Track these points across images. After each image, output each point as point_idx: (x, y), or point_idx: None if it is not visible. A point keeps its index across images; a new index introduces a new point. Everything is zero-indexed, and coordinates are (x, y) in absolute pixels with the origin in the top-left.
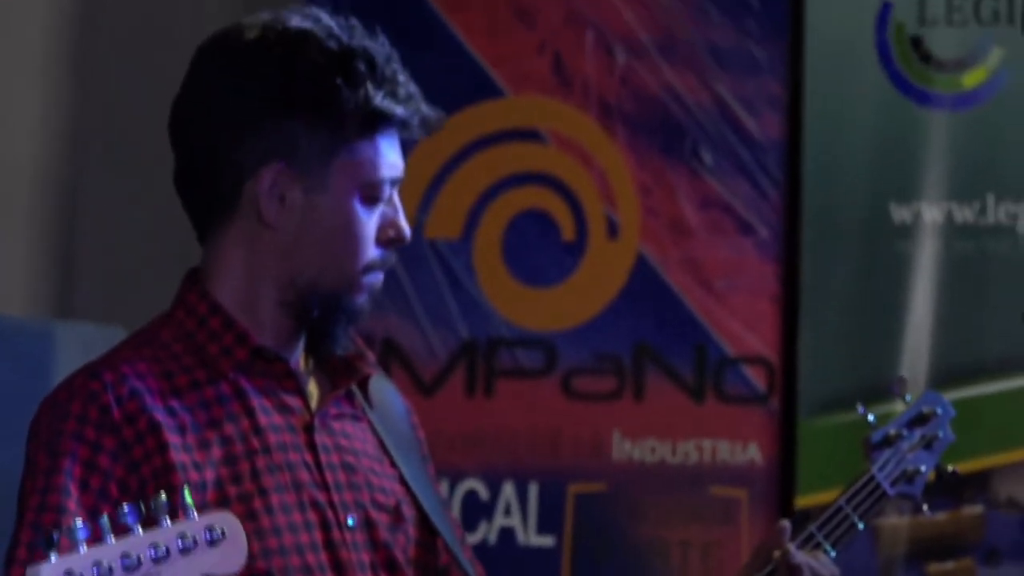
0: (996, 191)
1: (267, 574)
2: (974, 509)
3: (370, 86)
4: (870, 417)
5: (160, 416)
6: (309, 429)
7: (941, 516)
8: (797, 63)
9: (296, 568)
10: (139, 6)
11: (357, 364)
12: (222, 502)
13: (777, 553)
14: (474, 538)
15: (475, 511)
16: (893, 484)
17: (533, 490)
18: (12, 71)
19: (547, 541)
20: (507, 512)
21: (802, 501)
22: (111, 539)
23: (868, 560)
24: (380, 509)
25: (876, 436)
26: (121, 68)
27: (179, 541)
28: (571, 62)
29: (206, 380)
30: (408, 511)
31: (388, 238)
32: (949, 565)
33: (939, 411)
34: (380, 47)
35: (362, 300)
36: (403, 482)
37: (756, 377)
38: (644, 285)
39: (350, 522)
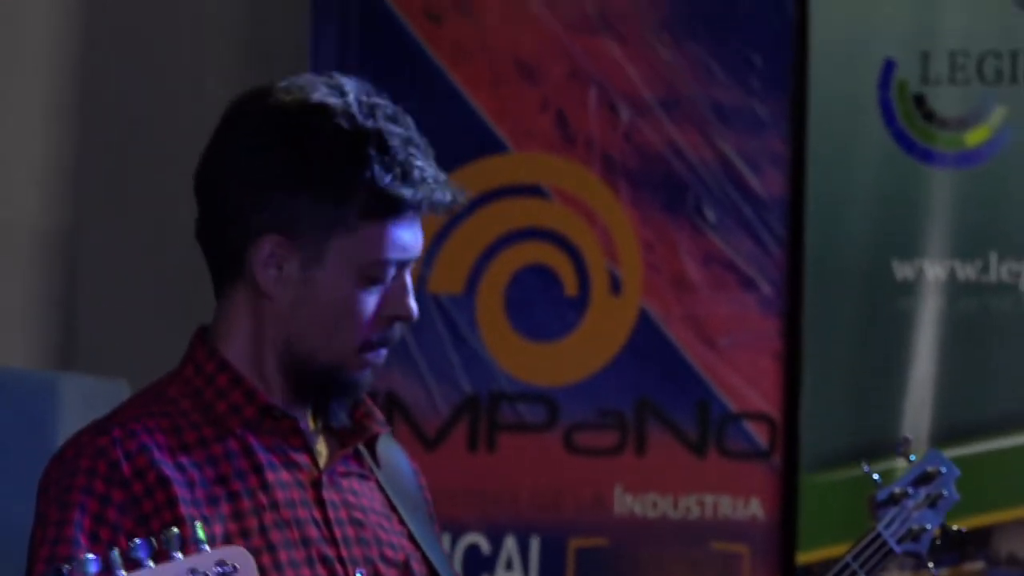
0: (999, 249)
1: None
2: (975, 566)
3: (377, 168)
4: (875, 476)
5: (169, 471)
6: (317, 485)
7: (943, 573)
8: (800, 120)
9: None
10: (142, 47)
11: (366, 423)
12: None
13: None
14: None
15: (477, 565)
16: (899, 542)
17: (534, 545)
18: (14, 116)
19: None
20: (509, 566)
21: (803, 557)
22: (122, 572)
23: None
24: (389, 564)
25: (882, 495)
26: (123, 117)
27: (190, 575)
28: (574, 118)
29: (214, 437)
30: (418, 567)
31: (390, 316)
32: None
33: (943, 470)
34: (399, 128)
35: (361, 376)
36: (412, 539)
37: (758, 433)
38: (646, 341)
39: None
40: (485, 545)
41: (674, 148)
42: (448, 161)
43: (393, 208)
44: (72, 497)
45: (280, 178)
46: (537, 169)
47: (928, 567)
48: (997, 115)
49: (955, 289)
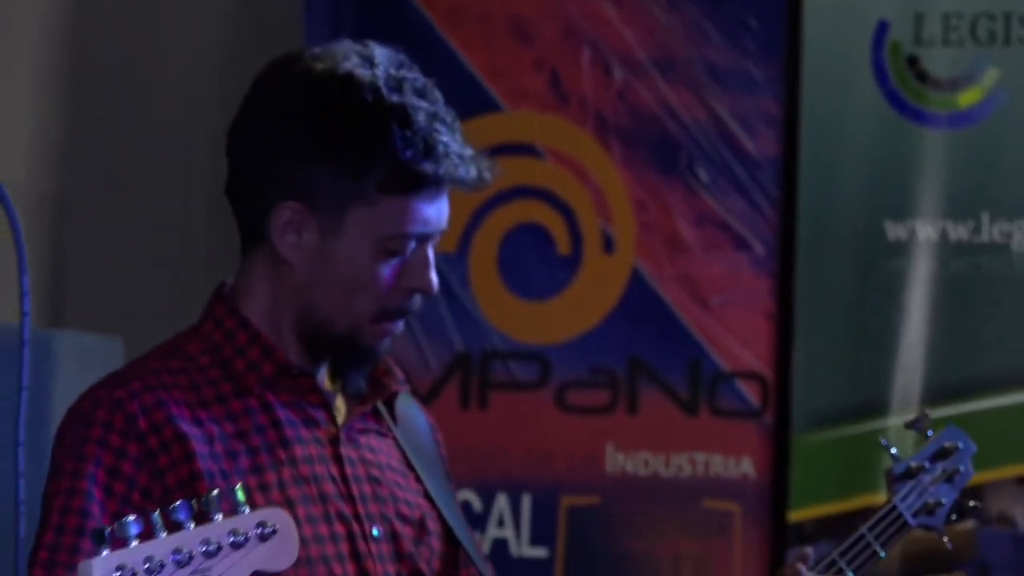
0: (991, 209)
1: None
2: (966, 525)
3: (399, 143)
4: (893, 450)
5: (186, 427)
6: (335, 442)
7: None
8: (793, 82)
9: None
10: (133, 13)
11: (385, 381)
12: None
13: None
14: None
15: (469, 523)
16: (915, 515)
17: (526, 502)
18: (3, 82)
19: (540, 553)
20: (500, 523)
21: (795, 515)
22: (163, 534)
23: None
24: (405, 522)
25: (898, 468)
26: (113, 79)
27: (230, 536)
28: (568, 78)
29: (232, 393)
30: (433, 525)
31: (410, 288)
32: None
33: (961, 446)
34: (425, 103)
35: (377, 344)
36: (427, 497)
37: (750, 392)
38: (639, 300)
39: (375, 533)
40: (477, 503)
41: (668, 108)
42: None
43: (414, 183)
44: (87, 449)
45: (302, 147)
46: (531, 128)
47: (945, 541)
48: (990, 76)
49: (947, 249)
